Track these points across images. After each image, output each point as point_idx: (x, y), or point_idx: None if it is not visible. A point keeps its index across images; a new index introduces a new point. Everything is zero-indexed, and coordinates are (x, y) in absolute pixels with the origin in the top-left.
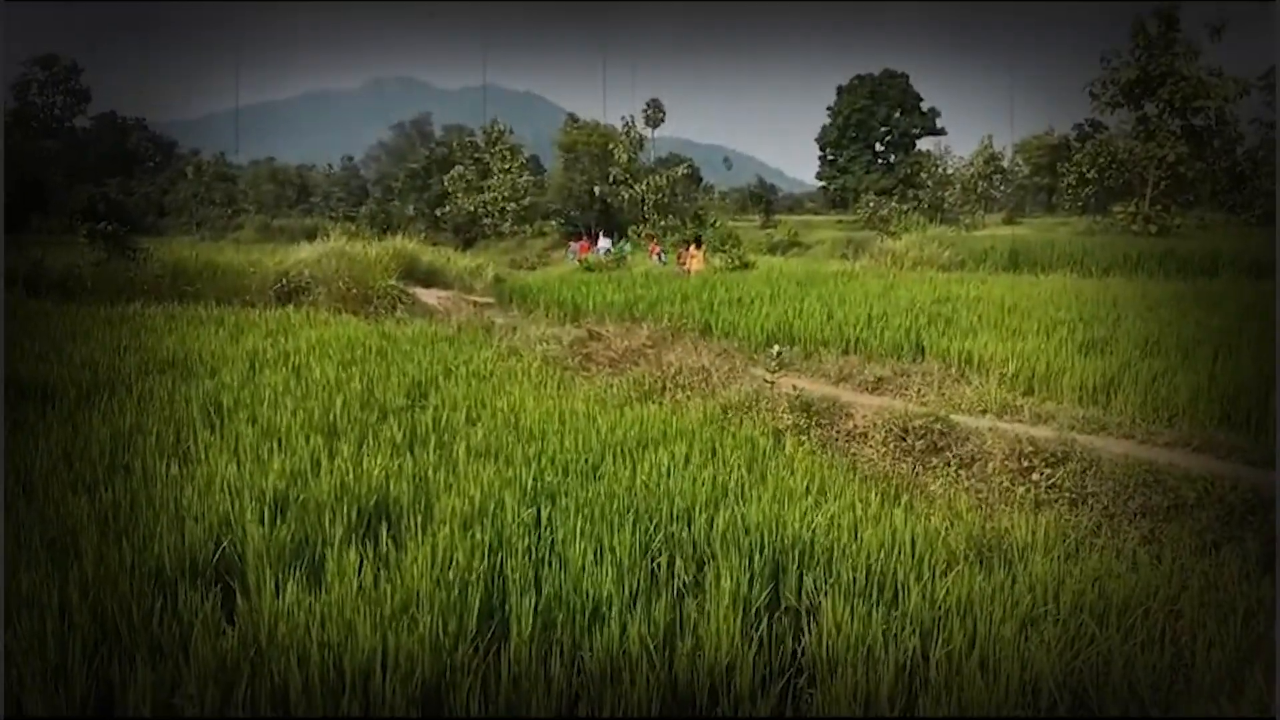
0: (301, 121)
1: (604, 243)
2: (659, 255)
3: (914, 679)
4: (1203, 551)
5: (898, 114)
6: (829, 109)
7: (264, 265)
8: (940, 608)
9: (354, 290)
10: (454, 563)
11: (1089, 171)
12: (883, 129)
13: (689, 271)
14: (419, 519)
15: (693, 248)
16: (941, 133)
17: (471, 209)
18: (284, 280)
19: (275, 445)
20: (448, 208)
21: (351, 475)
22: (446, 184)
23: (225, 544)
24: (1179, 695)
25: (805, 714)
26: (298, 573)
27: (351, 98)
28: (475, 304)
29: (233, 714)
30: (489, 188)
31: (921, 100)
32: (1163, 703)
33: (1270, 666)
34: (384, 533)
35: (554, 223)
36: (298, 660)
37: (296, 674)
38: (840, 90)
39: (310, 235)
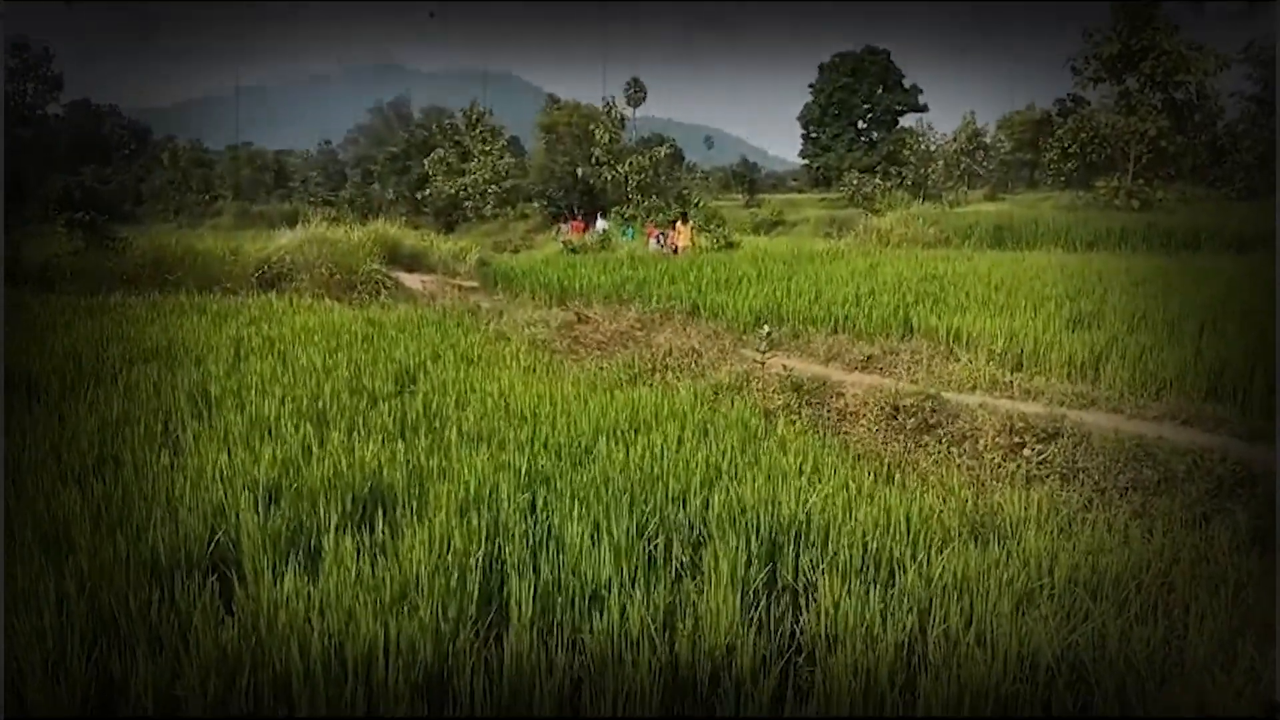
0: (279, 107)
1: (601, 224)
2: (658, 238)
3: (913, 656)
4: (1193, 525)
5: (880, 91)
6: (811, 87)
7: (245, 252)
8: (936, 585)
9: (337, 276)
10: (451, 548)
11: (1071, 146)
12: (865, 106)
13: (676, 250)
14: (414, 505)
15: (679, 224)
16: (924, 109)
17: (452, 192)
18: (266, 267)
19: (265, 434)
20: (428, 191)
21: (344, 463)
22: (427, 167)
23: (220, 533)
24: (1173, 667)
25: (806, 697)
26: (294, 561)
27: (329, 83)
28: (460, 288)
29: (236, 704)
30: (470, 170)
31: (904, 77)
32: (1157, 675)
33: (1262, 640)
34: (380, 519)
35: (536, 205)
36: (299, 649)
37: (298, 663)
38: (822, 68)
39: (290, 220)
